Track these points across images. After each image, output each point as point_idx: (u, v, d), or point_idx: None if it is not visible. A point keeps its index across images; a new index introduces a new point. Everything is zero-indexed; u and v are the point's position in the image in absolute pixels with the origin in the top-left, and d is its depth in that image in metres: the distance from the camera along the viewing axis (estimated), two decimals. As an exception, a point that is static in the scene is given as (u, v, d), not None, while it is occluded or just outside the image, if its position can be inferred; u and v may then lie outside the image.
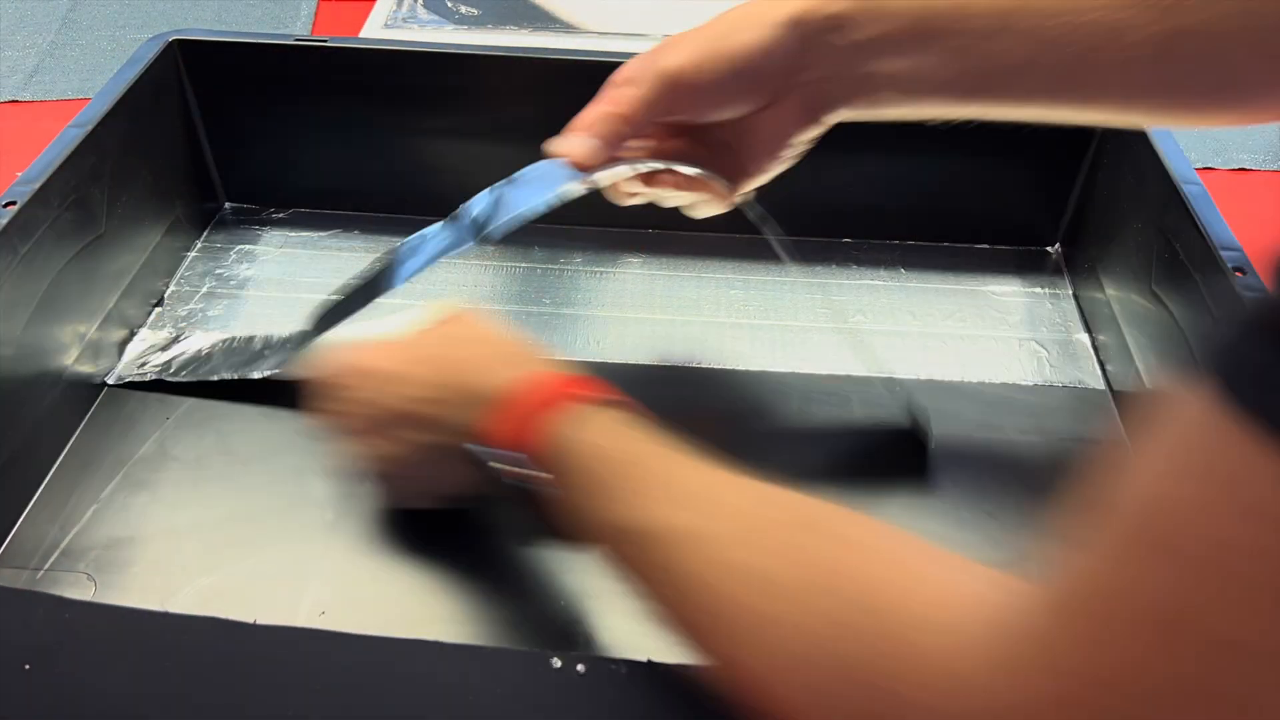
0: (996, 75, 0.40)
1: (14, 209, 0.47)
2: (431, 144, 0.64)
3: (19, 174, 0.70)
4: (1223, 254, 0.47)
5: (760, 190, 0.65)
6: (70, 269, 0.51)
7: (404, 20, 0.93)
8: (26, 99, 0.81)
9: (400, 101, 0.62)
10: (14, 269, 0.47)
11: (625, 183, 0.49)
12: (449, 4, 0.95)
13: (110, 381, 0.54)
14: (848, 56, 0.42)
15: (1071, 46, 0.38)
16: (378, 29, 0.91)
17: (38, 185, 0.48)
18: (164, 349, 0.55)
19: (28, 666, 0.35)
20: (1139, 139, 0.56)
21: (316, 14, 0.95)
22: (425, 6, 0.95)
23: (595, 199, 0.65)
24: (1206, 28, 0.35)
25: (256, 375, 0.53)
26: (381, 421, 0.44)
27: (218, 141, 0.65)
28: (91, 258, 0.53)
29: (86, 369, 0.53)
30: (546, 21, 0.93)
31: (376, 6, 0.95)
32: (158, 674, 0.36)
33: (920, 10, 0.40)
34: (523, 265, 0.63)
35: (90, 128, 0.52)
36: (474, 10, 0.94)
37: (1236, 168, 0.76)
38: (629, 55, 0.60)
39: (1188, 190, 0.51)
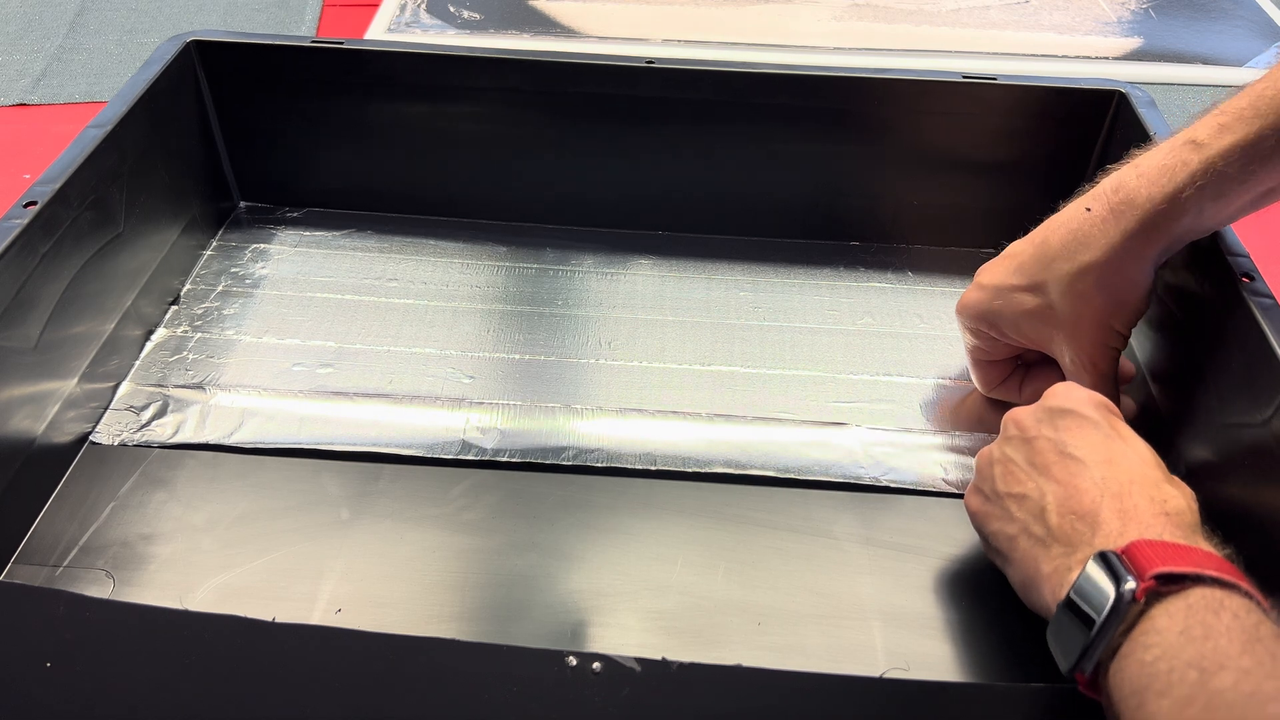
0: None
1: (35, 209, 0.47)
2: (443, 145, 0.65)
3: (27, 175, 0.70)
4: (1230, 260, 0.47)
5: (771, 195, 0.66)
6: (89, 268, 0.51)
7: (407, 25, 0.93)
8: (35, 102, 0.82)
9: (413, 102, 0.63)
10: (35, 268, 0.47)
11: None
12: (452, 9, 0.96)
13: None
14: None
15: None
16: (381, 33, 0.92)
17: (58, 185, 0.49)
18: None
19: (49, 664, 0.36)
20: (1143, 142, 0.56)
21: (321, 19, 0.95)
22: (428, 11, 0.95)
23: (600, 201, 0.65)
24: None
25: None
26: (995, 493, 0.43)
27: (233, 141, 0.65)
28: (110, 257, 0.53)
29: (104, 368, 0.53)
30: (548, 26, 0.94)
31: (380, 11, 0.95)
32: (177, 671, 0.36)
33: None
34: (535, 266, 0.64)
35: (109, 128, 0.53)
36: (476, 15, 0.95)
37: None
38: (629, 59, 0.61)
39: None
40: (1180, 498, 0.38)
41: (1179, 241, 0.44)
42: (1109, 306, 0.45)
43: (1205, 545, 0.36)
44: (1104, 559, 0.34)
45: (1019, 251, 0.47)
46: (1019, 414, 0.44)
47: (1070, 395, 0.43)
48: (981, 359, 0.53)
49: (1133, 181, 0.43)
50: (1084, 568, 0.35)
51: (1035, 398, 0.45)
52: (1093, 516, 0.37)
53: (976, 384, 0.55)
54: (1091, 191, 0.45)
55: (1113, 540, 0.36)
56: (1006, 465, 0.42)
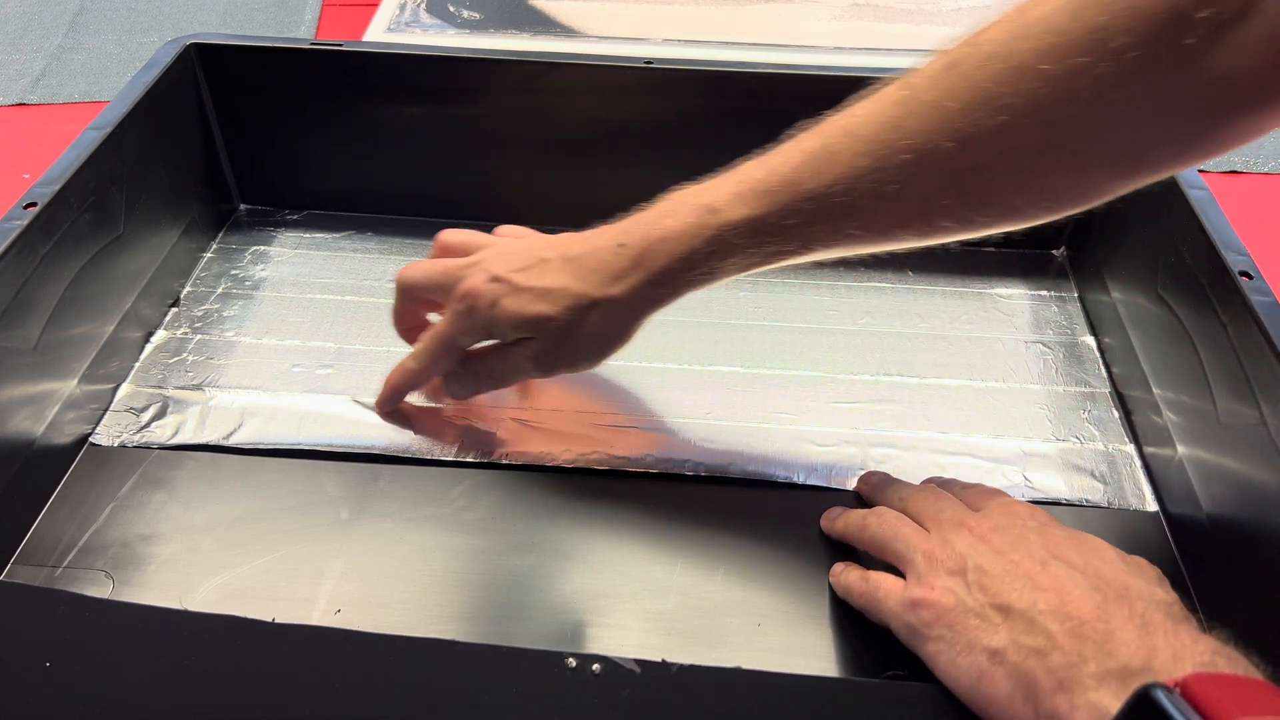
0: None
1: (35, 210, 0.47)
2: (443, 146, 0.65)
3: (26, 176, 0.70)
4: (1229, 258, 0.47)
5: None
6: (89, 270, 0.51)
7: (407, 25, 0.93)
8: (34, 102, 0.82)
9: (413, 104, 0.63)
10: (35, 269, 0.47)
11: None
12: (451, 8, 0.96)
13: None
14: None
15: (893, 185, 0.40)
16: (381, 33, 0.92)
17: (58, 187, 0.49)
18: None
19: (48, 664, 0.36)
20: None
21: (320, 19, 0.95)
22: (428, 11, 0.95)
23: (601, 201, 0.65)
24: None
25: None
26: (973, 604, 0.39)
27: (233, 144, 0.65)
28: (110, 258, 0.53)
29: (104, 369, 0.53)
30: (548, 26, 0.94)
31: (379, 11, 0.95)
32: (177, 672, 0.36)
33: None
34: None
35: (109, 130, 0.53)
36: (476, 15, 0.95)
37: (1228, 170, 0.77)
38: (628, 59, 0.61)
39: (1193, 195, 0.52)
40: (1163, 593, 0.38)
41: (689, 292, 0.46)
42: (601, 338, 0.47)
43: (1234, 654, 0.34)
44: (1154, 698, 0.29)
45: (550, 257, 0.47)
46: (953, 513, 0.42)
47: (1035, 510, 0.43)
48: (449, 354, 0.50)
49: (658, 234, 0.44)
50: (1129, 704, 0.30)
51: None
52: (1100, 622, 0.35)
53: (406, 378, 0.52)
54: (622, 226, 0.46)
55: (1134, 650, 0.34)
56: (977, 576, 0.39)
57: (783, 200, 0.42)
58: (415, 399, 0.54)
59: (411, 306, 0.52)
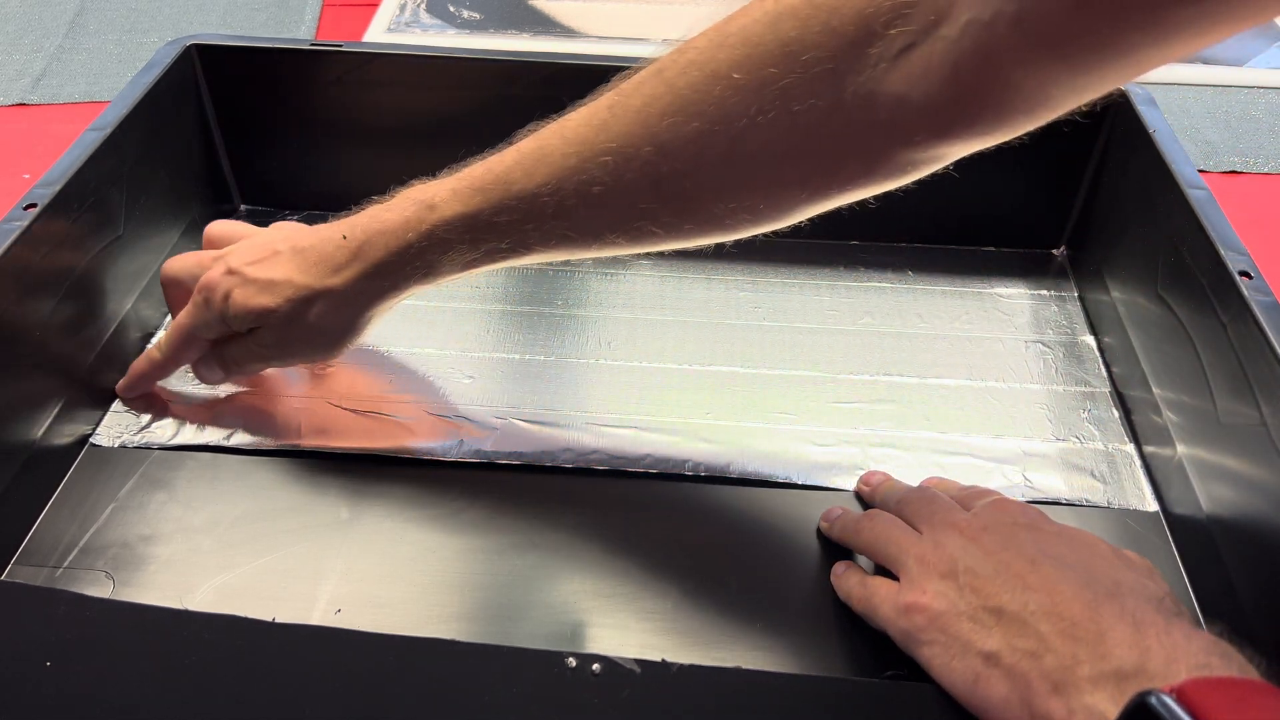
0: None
1: (35, 211, 0.47)
2: (443, 146, 0.64)
3: (27, 176, 0.70)
4: (1229, 258, 0.47)
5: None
6: (89, 270, 0.51)
7: (407, 25, 0.93)
8: (34, 102, 0.82)
9: (413, 104, 0.63)
10: (35, 270, 0.47)
11: None
12: (451, 8, 0.96)
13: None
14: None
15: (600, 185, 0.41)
16: (381, 33, 0.92)
17: (58, 187, 0.49)
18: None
19: (49, 664, 0.36)
20: (1144, 143, 0.56)
21: (320, 19, 0.95)
22: (428, 11, 0.95)
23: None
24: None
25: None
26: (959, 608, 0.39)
27: (233, 144, 0.65)
28: (110, 259, 0.53)
29: (104, 370, 0.53)
30: (547, 26, 0.94)
31: (379, 11, 0.95)
32: (177, 671, 0.36)
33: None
34: (534, 267, 0.64)
35: (109, 131, 0.53)
36: (476, 15, 0.95)
37: (1228, 170, 0.77)
38: (628, 59, 0.61)
39: (1193, 194, 0.51)
40: (1154, 586, 0.38)
41: (413, 288, 0.47)
42: (324, 330, 0.48)
43: (1231, 650, 0.34)
44: (1152, 706, 0.29)
45: (281, 249, 0.48)
46: (945, 514, 0.42)
47: (1029, 509, 0.43)
48: (189, 343, 0.51)
49: (377, 227, 0.45)
50: (1127, 712, 0.29)
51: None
52: (1092, 623, 0.35)
53: (149, 369, 0.53)
54: (352, 220, 0.47)
55: (1127, 650, 0.34)
56: (969, 578, 0.39)
57: (495, 198, 0.43)
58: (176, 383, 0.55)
59: (175, 295, 0.52)
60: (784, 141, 0.38)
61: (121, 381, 0.53)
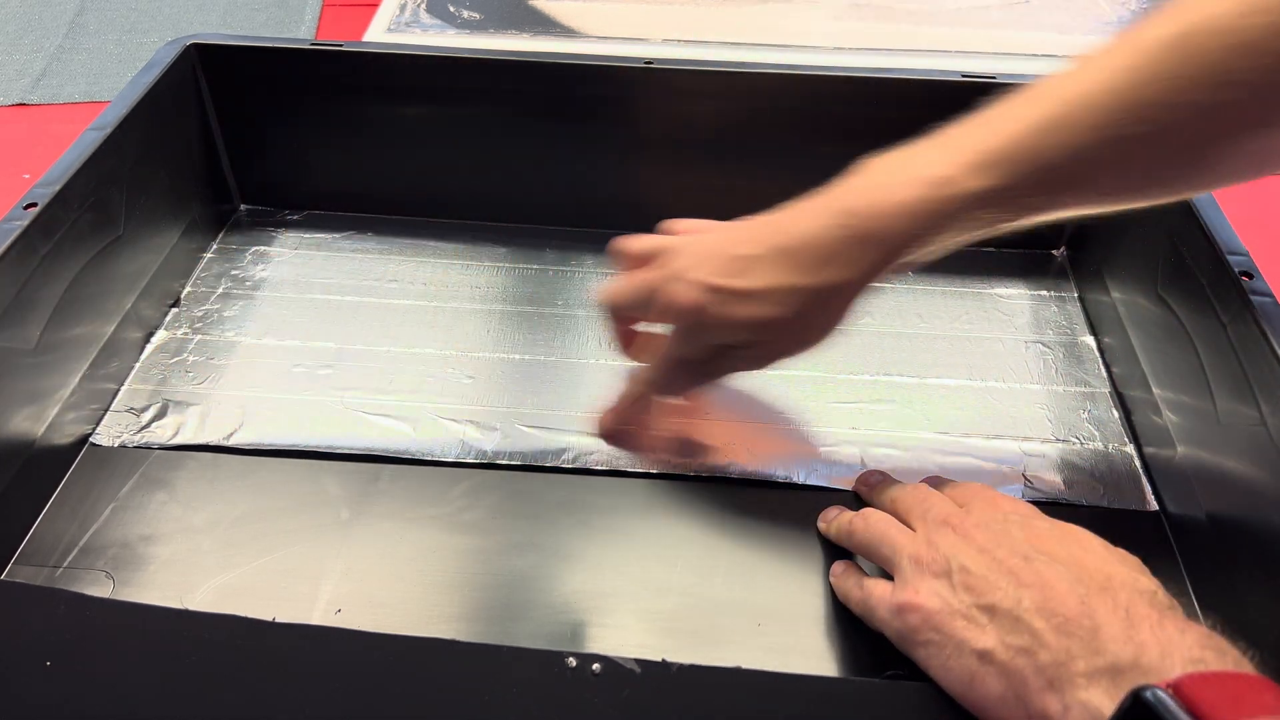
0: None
1: (35, 210, 0.47)
2: (443, 146, 0.65)
3: (27, 175, 0.70)
4: (1229, 258, 0.47)
5: (771, 196, 0.66)
6: (89, 270, 0.51)
7: (407, 25, 0.93)
8: (35, 102, 0.82)
9: (413, 104, 0.63)
10: (35, 270, 0.47)
11: None
12: (452, 9, 0.96)
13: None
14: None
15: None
16: (381, 33, 0.92)
17: (58, 187, 0.49)
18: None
19: (49, 663, 0.36)
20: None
21: (320, 18, 0.96)
22: (428, 11, 0.95)
23: (600, 202, 0.66)
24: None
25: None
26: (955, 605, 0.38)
27: (233, 144, 0.65)
28: (110, 259, 0.53)
29: (104, 369, 0.53)
30: (548, 26, 0.94)
31: (380, 11, 0.95)
32: (177, 671, 0.36)
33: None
34: (535, 267, 0.64)
35: (109, 130, 0.53)
36: (476, 15, 0.95)
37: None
38: (629, 59, 0.61)
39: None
40: (1146, 580, 0.37)
41: (915, 263, 0.44)
42: (829, 325, 0.45)
43: (1222, 643, 0.33)
44: (1149, 702, 0.29)
45: (760, 253, 0.44)
46: (938, 511, 0.42)
47: (1019, 503, 0.43)
48: (683, 375, 0.48)
49: (885, 209, 0.42)
50: (1123, 708, 0.30)
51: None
52: (1085, 617, 0.35)
53: (631, 407, 0.51)
54: (832, 205, 0.43)
55: (1121, 645, 0.33)
56: (962, 577, 0.39)
57: (1023, 171, 0.40)
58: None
59: (622, 326, 0.51)
60: None
61: (607, 419, 0.52)
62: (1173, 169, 0.39)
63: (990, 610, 0.37)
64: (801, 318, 0.43)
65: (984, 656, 0.36)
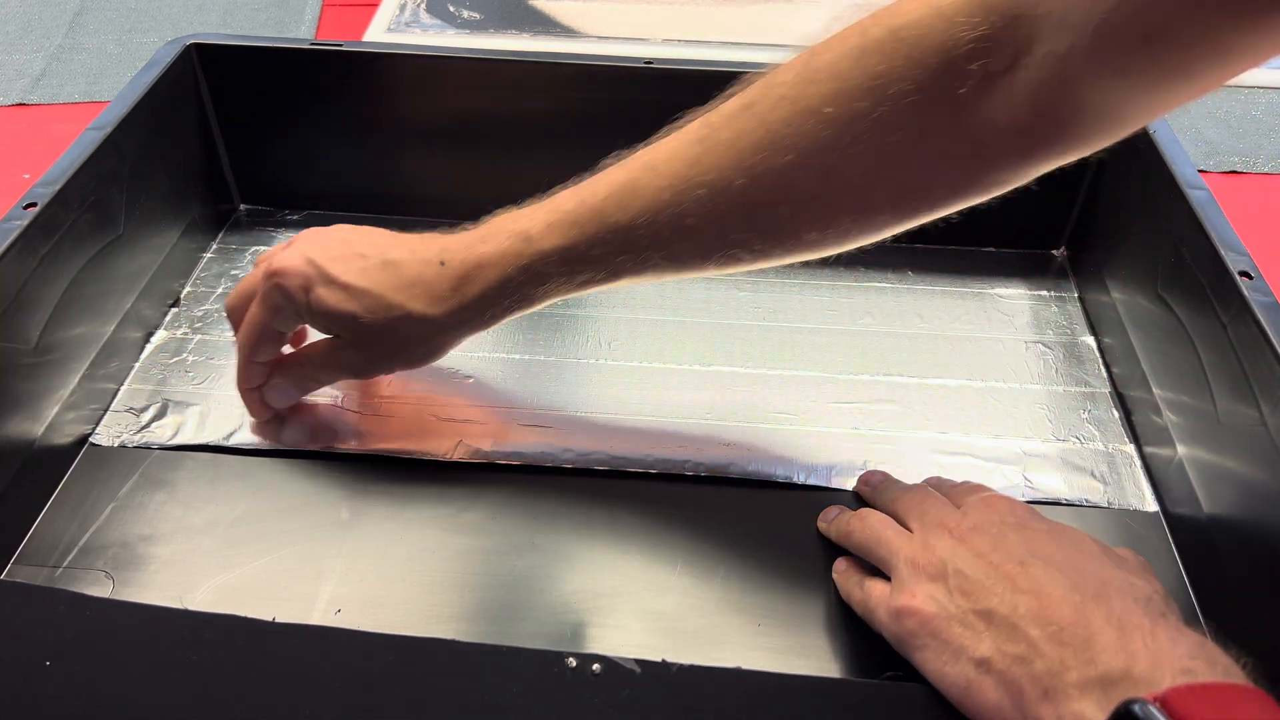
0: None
1: (35, 210, 0.47)
2: (443, 146, 0.65)
3: (26, 175, 0.70)
4: (1229, 258, 0.47)
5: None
6: (89, 270, 0.51)
7: (407, 25, 0.93)
8: (34, 102, 0.82)
9: (413, 104, 0.63)
10: (35, 270, 0.47)
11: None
12: (451, 9, 0.96)
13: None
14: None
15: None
16: (381, 33, 0.92)
17: (58, 187, 0.49)
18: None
19: (49, 663, 0.36)
20: (1144, 144, 0.56)
21: (320, 19, 0.95)
22: (428, 11, 0.95)
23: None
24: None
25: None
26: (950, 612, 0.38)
27: (233, 144, 0.65)
28: (109, 259, 0.53)
29: (104, 369, 0.53)
30: (548, 26, 0.94)
31: (379, 11, 0.95)
32: (177, 671, 0.36)
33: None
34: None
35: (109, 130, 0.53)
36: (476, 15, 0.95)
37: (1228, 170, 0.77)
38: (628, 59, 0.61)
39: (1194, 195, 0.52)
40: (1143, 584, 0.38)
41: (506, 318, 0.47)
42: (412, 351, 0.48)
43: (1214, 650, 0.33)
44: (1135, 714, 0.30)
45: (369, 255, 0.47)
46: (935, 513, 0.42)
47: (1017, 507, 0.43)
48: (261, 337, 0.48)
49: (475, 260, 0.45)
50: (1111, 718, 0.30)
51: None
52: (1080, 626, 0.35)
53: (242, 373, 0.50)
54: (443, 243, 0.46)
55: (1113, 655, 0.33)
56: (958, 581, 0.39)
57: (590, 231, 0.43)
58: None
59: (239, 319, 0.50)
60: (875, 170, 0.40)
61: (252, 415, 0.52)
62: (752, 233, 0.42)
63: (987, 616, 0.37)
64: (387, 331, 0.46)
65: (981, 664, 0.36)
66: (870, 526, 0.44)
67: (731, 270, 0.45)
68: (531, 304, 0.46)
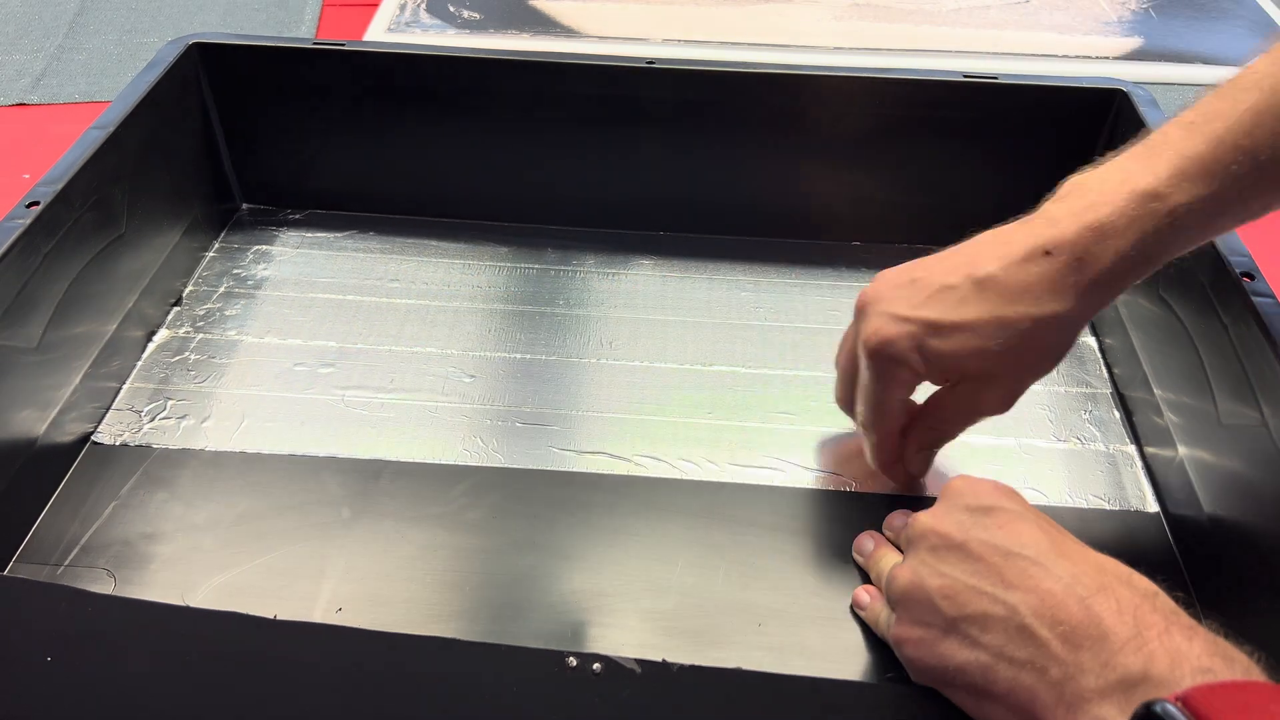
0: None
1: (37, 209, 0.47)
2: (444, 146, 0.65)
3: (27, 175, 0.70)
4: (1230, 259, 0.47)
5: (771, 195, 0.66)
6: (91, 269, 0.51)
7: (407, 24, 0.93)
8: (35, 102, 0.82)
9: (415, 104, 0.63)
10: (37, 268, 0.47)
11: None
12: (451, 9, 0.96)
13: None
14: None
15: None
16: (381, 33, 0.92)
17: (60, 186, 0.49)
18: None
19: (49, 658, 0.36)
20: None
21: (320, 18, 0.96)
22: (428, 11, 0.95)
23: (601, 201, 0.66)
24: None
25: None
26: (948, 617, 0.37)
27: (235, 143, 0.65)
28: (112, 258, 0.53)
29: (106, 368, 0.53)
30: (548, 26, 0.94)
31: (380, 11, 0.95)
32: (177, 667, 0.36)
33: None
34: (536, 267, 0.64)
35: (112, 129, 0.53)
36: (476, 14, 0.95)
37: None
38: (629, 59, 0.61)
39: (1194, 195, 0.51)
40: (1143, 578, 0.36)
41: (1130, 285, 0.42)
42: (1053, 355, 0.43)
43: (1229, 647, 0.33)
44: (1159, 715, 0.29)
45: (956, 284, 0.42)
46: (931, 522, 0.39)
47: (980, 489, 0.40)
48: (890, 412, 0.45)
49: (1096, 232, 0.40)
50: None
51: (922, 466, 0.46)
52: (1092, 625, 0.33)
53: (877, 451, 0.47)
54: (1036, 229, 0.41)
55: (1132, 656, 0.32)
56: (947, 584, 0.37)
57: (1240, 172, 0.37)
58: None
59: (846, 390, 0.48)
60: None
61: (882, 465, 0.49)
62: None
63: (981, 621, 0.36)
64: (1013, 350, 0.41)
65: (986, 672, 0.35)
66: (874, 561, 0.45)
67: None
68: (1153, 267, 0.40)
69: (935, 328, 0.42)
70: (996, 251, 0.41)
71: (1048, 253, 0.40)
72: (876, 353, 0.43)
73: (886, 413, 0.45)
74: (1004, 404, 0.44)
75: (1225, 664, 0.32)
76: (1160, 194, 0.39)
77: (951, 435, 0.47)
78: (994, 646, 0.35)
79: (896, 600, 0.39)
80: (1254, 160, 0.37)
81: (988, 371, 0.42)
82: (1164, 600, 0.35)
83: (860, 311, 0.44)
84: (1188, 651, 0.32)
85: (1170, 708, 0.28)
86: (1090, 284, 0.40)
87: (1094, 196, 0.40)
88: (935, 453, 0.49)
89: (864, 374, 0.44)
